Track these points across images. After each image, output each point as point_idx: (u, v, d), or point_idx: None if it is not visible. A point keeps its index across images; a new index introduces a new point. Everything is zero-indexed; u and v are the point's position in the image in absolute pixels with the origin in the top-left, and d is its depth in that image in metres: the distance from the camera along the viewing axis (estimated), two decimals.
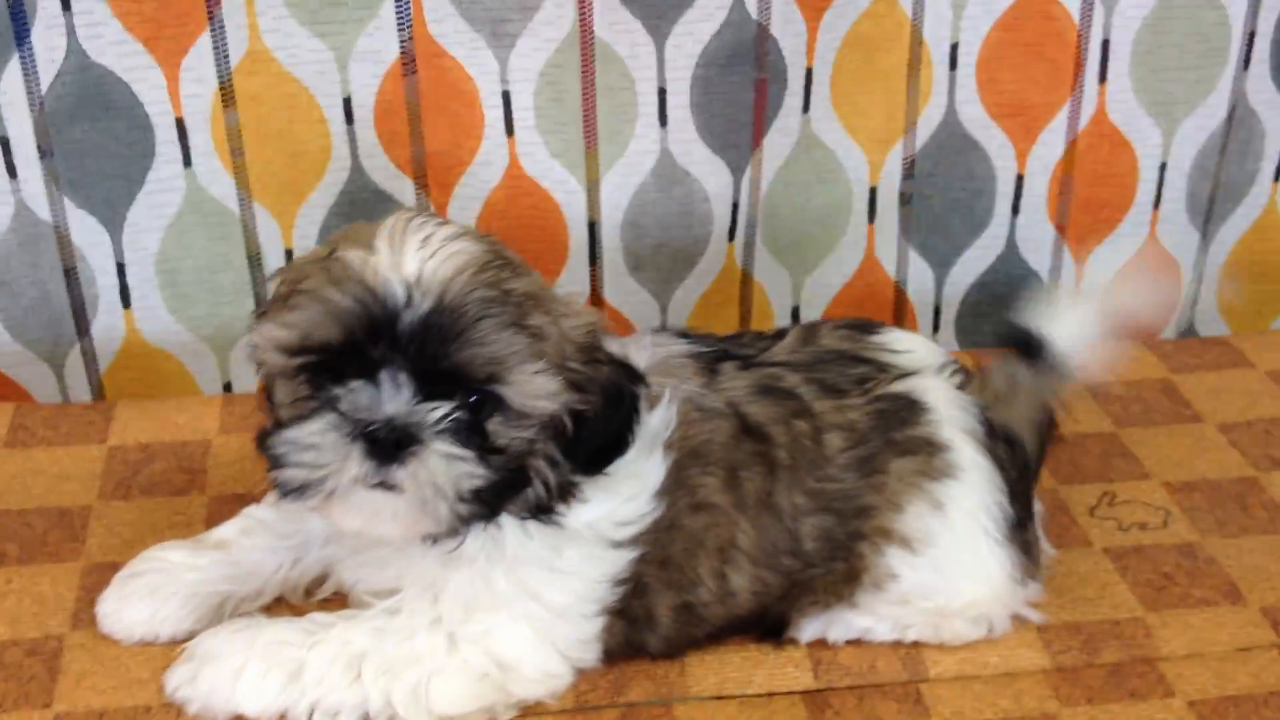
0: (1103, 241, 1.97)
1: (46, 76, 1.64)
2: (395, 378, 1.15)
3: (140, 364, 1.82)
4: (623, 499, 1.28)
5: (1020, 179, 1.93)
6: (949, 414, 1.37)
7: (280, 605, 1.39)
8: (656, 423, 1.29)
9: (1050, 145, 1.91)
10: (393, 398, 1.15)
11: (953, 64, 1.85)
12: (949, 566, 1.35)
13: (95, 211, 1.73)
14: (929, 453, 1.35)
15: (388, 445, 1.14)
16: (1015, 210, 1.95)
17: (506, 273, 1.19)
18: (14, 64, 1.63)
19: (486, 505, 1.19)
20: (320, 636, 1.27)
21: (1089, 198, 1.95)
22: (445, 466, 1.15)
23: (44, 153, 1.68)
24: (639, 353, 1.34)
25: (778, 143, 1.86)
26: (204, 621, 1.35)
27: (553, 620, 1.27)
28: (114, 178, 1.72)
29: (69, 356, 1.80)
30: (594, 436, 1.23)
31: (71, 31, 1.63)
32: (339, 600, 1.38)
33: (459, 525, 1.20)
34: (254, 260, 1.80)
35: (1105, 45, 1.85)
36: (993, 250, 1.98)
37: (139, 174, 1.72)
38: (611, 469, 1.26)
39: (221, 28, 1.67)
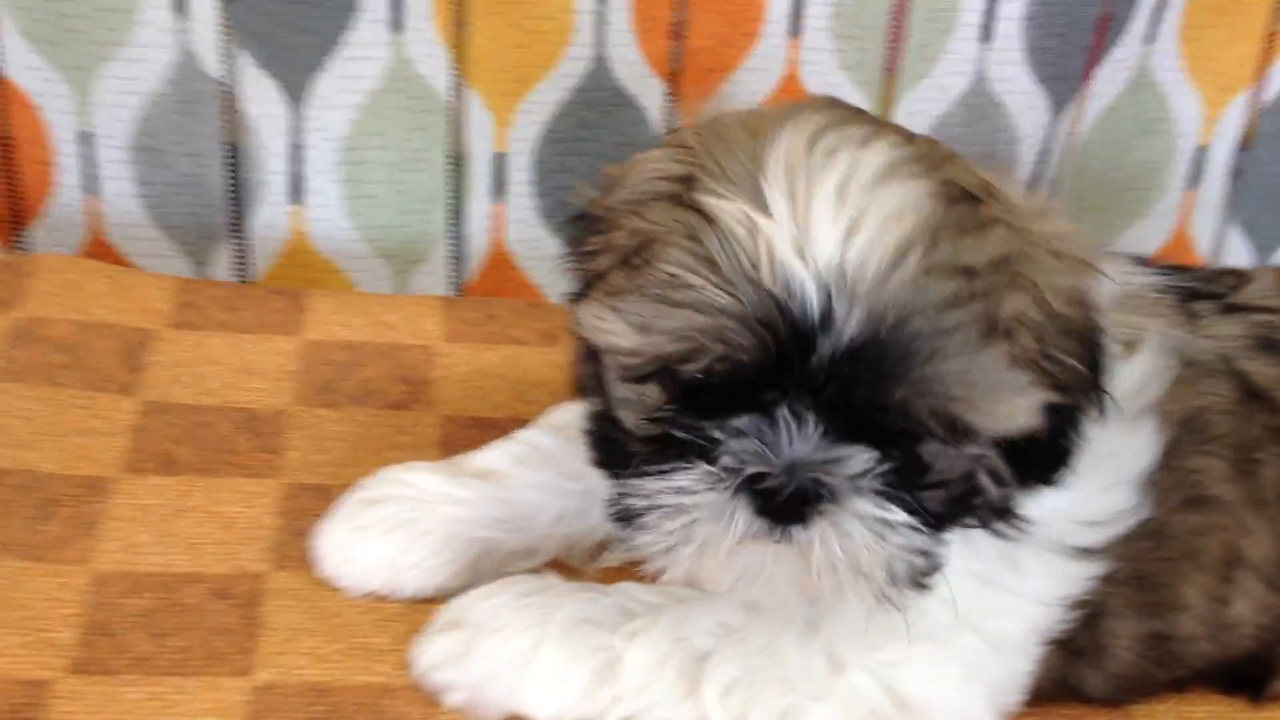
0: None
1: None
2: (799, 414, 0.81)
3: (301, 274, 1.45)
4: (1092, 488, 0.94)
5: None
6: None
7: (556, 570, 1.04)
8: (1133, 381, 0.94)
9: None
10: (796, 439, 0.81)
11: None
12: None
13: (276, 73, 1.36)
14: None
15: (788, 502, 0.81)
16: None
17: (970, 227, 0.82)
18: None
19: (928, 568, 0.87)
20: (644, 624, 0.93)
21: None
22: (870, 536, 0.83)
23: None
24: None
25: (1108, 79, 1.51)
26: (459, 577, 1.02)
27: (988, 654, 0.94)
28: (304, 33, 1.35)
29: (215, 253, 1.43)
30: (1056, 444, 0.89)
31: None
32: (629, 571, 1.00)
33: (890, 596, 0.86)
34: (455, 162, 1.43)
35: None
36: None
37: (335, 33, 1.36)
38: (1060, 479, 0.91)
39: None
